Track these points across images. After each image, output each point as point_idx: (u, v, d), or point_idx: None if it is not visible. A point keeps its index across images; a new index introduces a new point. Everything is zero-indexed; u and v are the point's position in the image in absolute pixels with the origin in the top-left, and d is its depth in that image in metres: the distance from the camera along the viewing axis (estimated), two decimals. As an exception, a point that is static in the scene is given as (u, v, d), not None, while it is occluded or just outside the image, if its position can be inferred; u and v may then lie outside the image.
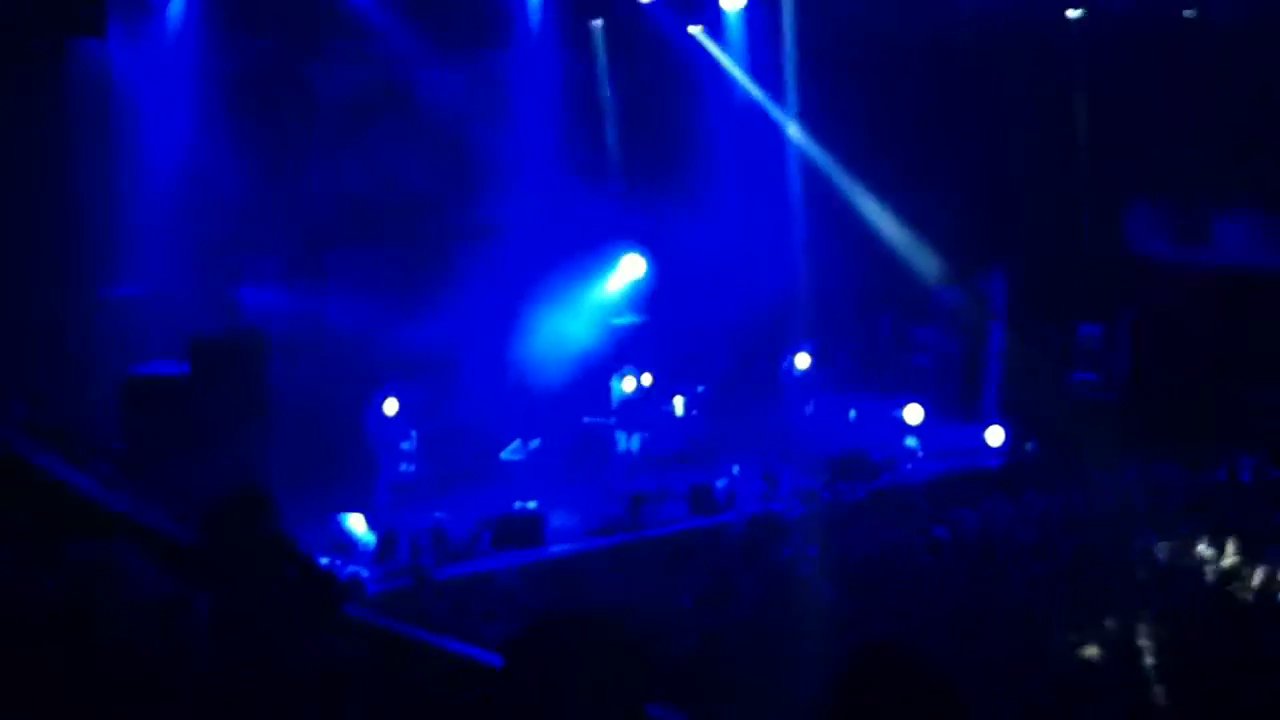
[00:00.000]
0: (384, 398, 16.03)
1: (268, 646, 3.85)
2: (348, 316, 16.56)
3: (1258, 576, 11.72)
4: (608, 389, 18.02)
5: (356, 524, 14.44)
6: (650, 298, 19.47)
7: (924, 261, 20.37)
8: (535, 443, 16.02)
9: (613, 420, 17.74)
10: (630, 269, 19.30)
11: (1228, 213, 18.76)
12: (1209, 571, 12.26)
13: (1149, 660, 9.98)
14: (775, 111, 20.08)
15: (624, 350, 18.78)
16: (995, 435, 18.97)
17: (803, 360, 19.79)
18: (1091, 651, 9.92)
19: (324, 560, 12.89)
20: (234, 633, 3.79)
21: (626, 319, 19.38)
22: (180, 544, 4.18)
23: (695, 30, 19.67)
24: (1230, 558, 12.31)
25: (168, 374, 14.05)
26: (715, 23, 19.59)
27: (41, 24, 13.08)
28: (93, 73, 13.93)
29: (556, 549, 14.95)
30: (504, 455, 16.17)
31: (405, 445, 16.91)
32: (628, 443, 17.82)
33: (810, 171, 20.07)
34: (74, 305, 14.27)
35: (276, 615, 3.97)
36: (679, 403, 18.67)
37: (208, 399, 13.85)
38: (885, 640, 2.27)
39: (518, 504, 15.52)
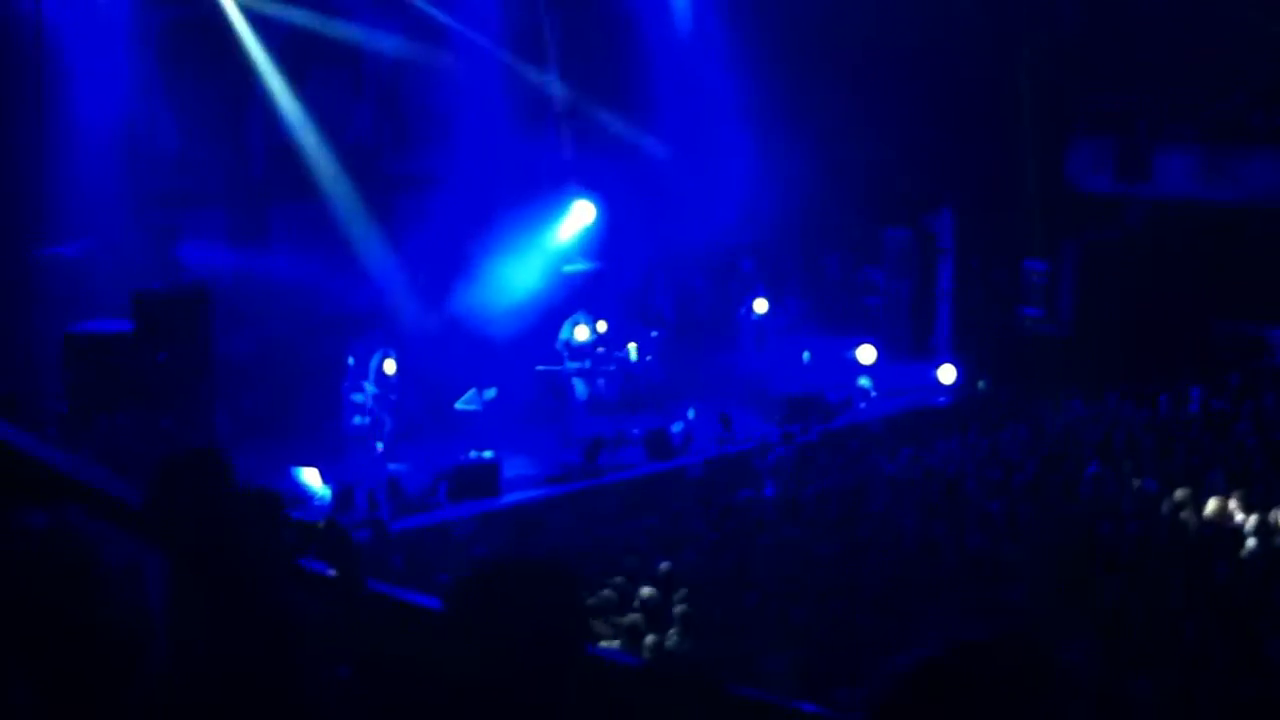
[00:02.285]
0: (383, 357, 15.96)
1: (222, 604, 3.82)
2: (293, 270, 16.38)
3: (1209, 506, 11.86)
4: (561, 337, 17.97)
5: (311, 478, 14.37)
6: (601, 244, 19.38)
7: (871, 202, 20.40)
8: (491, 392, 15.97)
9: (568, 367, 17.71)
10: (580, 215, 19.19)
11: (1167, 147, 18.89)
12: (1159, 502, 12.39)
13: (1104, 593, 10.10)
14: (719, 51, 19.92)
15: (577, 297, 18.71)
16: (947, 373, 19.12)
17: (761, 305, 19.82)
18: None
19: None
20: (188, 593, 3.75)
21: (578, 266, 19.29)
22: (130, 505, 4.13)
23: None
24: (1180, 489, 12.44)
25: (109, 332, 13.86)
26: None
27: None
28: (23, 28, 13.63)
29: (513, 498, 14.95)
30: (459, 405, 16.12)
31: (358, 398, 16.83)
32: (583, 389, 17.80)
33: (757, 114, 19.96)
34: (9, 265, 14.02)
35: (231, 573, 3.94)
36: (633, 348, 18.66)
37: (152, 356, 13.69)
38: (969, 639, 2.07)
39: (473, 454, 15.47)
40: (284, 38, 16.87)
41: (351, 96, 17.97)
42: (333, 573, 4.26)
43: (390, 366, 15.93)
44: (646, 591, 10.12)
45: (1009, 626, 2.03)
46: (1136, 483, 12.85)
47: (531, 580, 2.55)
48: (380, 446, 15.73)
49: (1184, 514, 11.93)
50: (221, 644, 3.69)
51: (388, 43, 17.74)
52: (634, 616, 9.68)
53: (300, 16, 16.86)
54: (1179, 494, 12.14)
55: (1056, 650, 7.91)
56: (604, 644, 8.44)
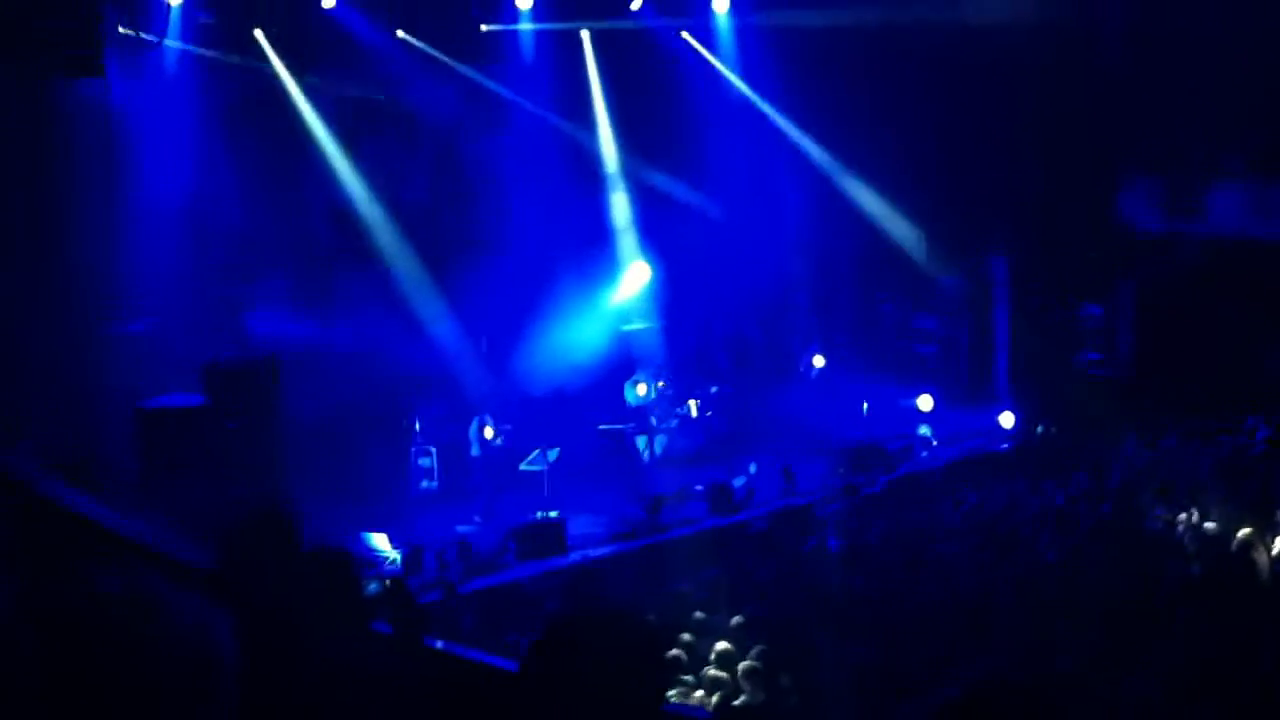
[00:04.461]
0: (481, 424, 16.22)
1: (295, 665, 3.90)
2: (357, 335, 16.68)
3: (1277, 547, 11.69)
4: (622, 395, 18.12)
5: (380, 542, 14.55)
6: (659, 302, 19.55)
7: (924, 250, 20.42)
8: (554, 452, 16.14)
9: (629, 425, 17.84)
10: (637, 275, 19.39)
11: (1220, 184, 18.81)
12: (1225, 543, 12.23)
13: (1173, 636, 10.00)
14: (770, 110, 20.10)
15: (636, 356, 18.87)
16: (1006, 419, 19.05)
17: (819, 360, 19.86)
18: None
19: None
20: (260, 655, 3.84)
21: (637, 324, 19.46)
22: (202, 569, 4.26)
23: (685, 34, 19.70)
24: (1245, 529, 12.28)
25: (181, 404, 14.19)
26: (705, 24, 19.63)
27: (41, 66, 13.21)
28: (92, 111, 14.07)
29: (579, 555, 15.04)
30: (523, 466, 16.30)
31: (425, 461, 17.05)
32: (645, 446, 17.90)
33: (806, 167, 20.09)
34: (83, 341, 14.40)
35: (302, 634, 4.02)
36: (694, 405, 18.76)
37: (222, 426, 13.98)
38: (996, 679, 2.15)
39: (539, 513, 15.64)
40: (342, 108, 17.28)
41: (409, 163, 18.35)
42: (393, 631, 4.32)
43: (490, 432, 16.22)
44: (720, 646, 10.13)
45: (1030, 671, 2.08)
46: (1203, 525, 12.70)
47: (613, 636, 2.54)
48: (478, 519, 15.91)
49: (1251, 555, 11.77)
50: (294, 705, 3.79)
51: (443, 109, 18.11)
52: (707, 672, 9.70)
53: (357, 87, 17.27)
54: (1243, 534, 11.97)
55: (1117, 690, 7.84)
56: (674, 700, 8.47)
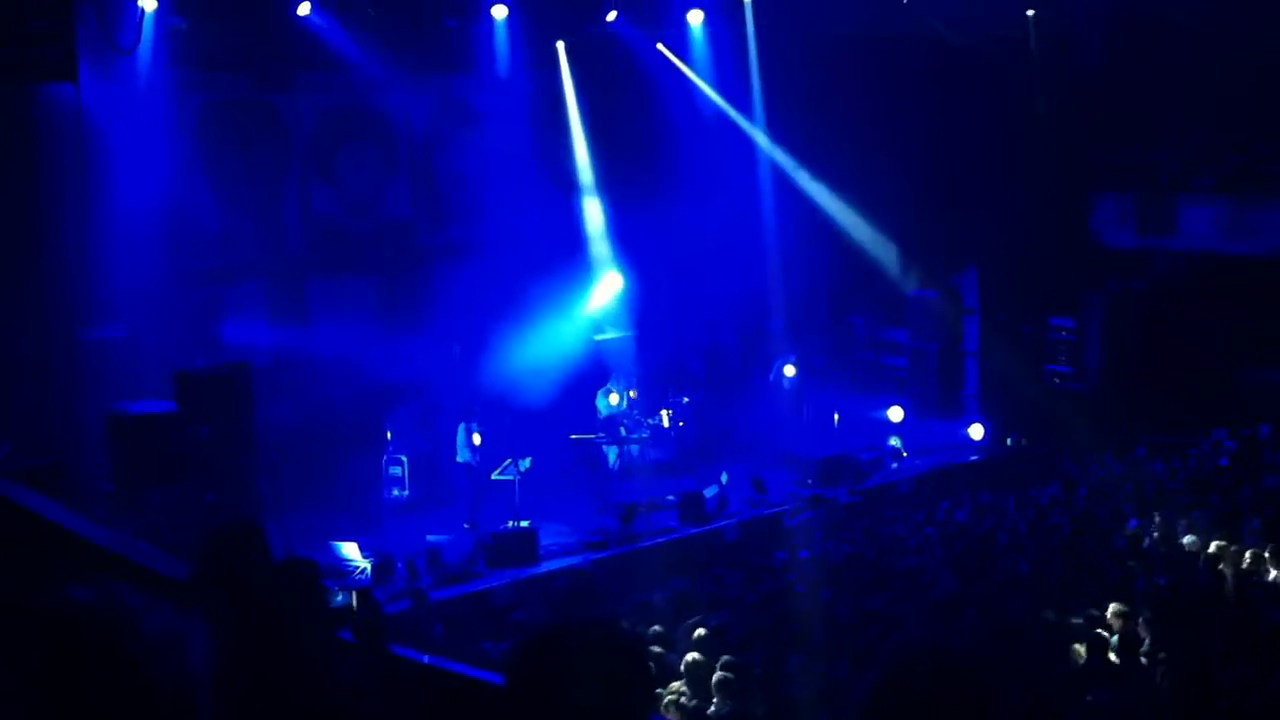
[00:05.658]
0: (470, 430, 16.17)
1: (269, 676, 3.90)
2: (331, 342, 16.63)
3: (1245, 558, 11.81)
4: (594, 405, 18.14)
5: (351, 551, 14.51)
6: (631, 312, 19.58)
7: (896, 263, 20.55)
8: (526, 462, 16.13)
9: (601, 435, 17.86)
10: (610, 285, 19.41)
11: (1190, 200, 19.01)
12: (1194, 554, 12.35)
13: (1143, 646, 10.07)
14: (743, 121, 20.18)
15: (608, 365, 18.88)
16: (976, 431, 19.18)
17: (790, 369, 19.94)
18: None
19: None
20: (234, 666, 3.84)
21: (609, 334, 19.48)
22: (176, 579, 4.25)
23: (660, 45, 19.75)
24: (1215, 540, 12.41)
25: (153, 411, 14.13)
26: (680, 36, 19.69)
27: (10, 72, 13.12)
28: (64, 116, 13.99)
29: (551, 565, 15.05)
30: (495, 475, 16.30)
31: (395, 470, 17.02)
32: (617, 456, 17.92)
33: (780, 180, 20.16)
34: (56, 348, 14.32)
35: (275, 644, 4.02)
36: (665, 415, 18.79)
37: (194, 433, 13.93)
38: (924, 643, 2.18)
39: (510, 523, 15.62)
40: (319, 114, 17.25)
41: (386, 170, 18.33)
42: (357, 640, 4.32)
43: (478, 439, 16.21)
44: (691, 657, 10.12)
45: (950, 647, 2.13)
46: (1172, 536, 12.80)
47: (596, 644, 2.49)
48: (467, 525, 15.87)
49: (1221, 566, 11.89)
50: (265, 714, 3.78)
51: (418, 118, 18.11)
52: (677, 684, 9.70)
53: (334, 94, 17.24)
54: (1214, 546, 12.09)
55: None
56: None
